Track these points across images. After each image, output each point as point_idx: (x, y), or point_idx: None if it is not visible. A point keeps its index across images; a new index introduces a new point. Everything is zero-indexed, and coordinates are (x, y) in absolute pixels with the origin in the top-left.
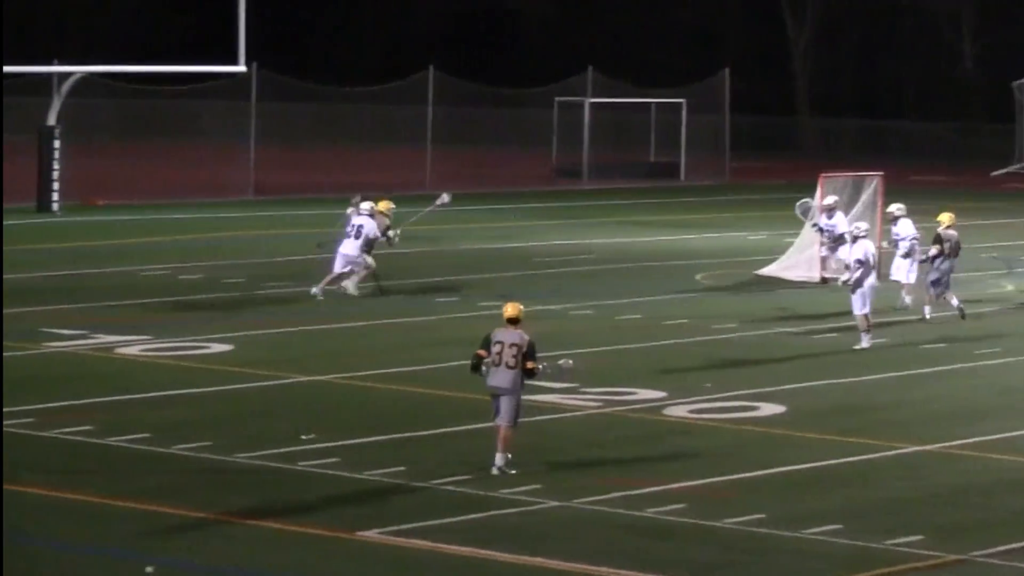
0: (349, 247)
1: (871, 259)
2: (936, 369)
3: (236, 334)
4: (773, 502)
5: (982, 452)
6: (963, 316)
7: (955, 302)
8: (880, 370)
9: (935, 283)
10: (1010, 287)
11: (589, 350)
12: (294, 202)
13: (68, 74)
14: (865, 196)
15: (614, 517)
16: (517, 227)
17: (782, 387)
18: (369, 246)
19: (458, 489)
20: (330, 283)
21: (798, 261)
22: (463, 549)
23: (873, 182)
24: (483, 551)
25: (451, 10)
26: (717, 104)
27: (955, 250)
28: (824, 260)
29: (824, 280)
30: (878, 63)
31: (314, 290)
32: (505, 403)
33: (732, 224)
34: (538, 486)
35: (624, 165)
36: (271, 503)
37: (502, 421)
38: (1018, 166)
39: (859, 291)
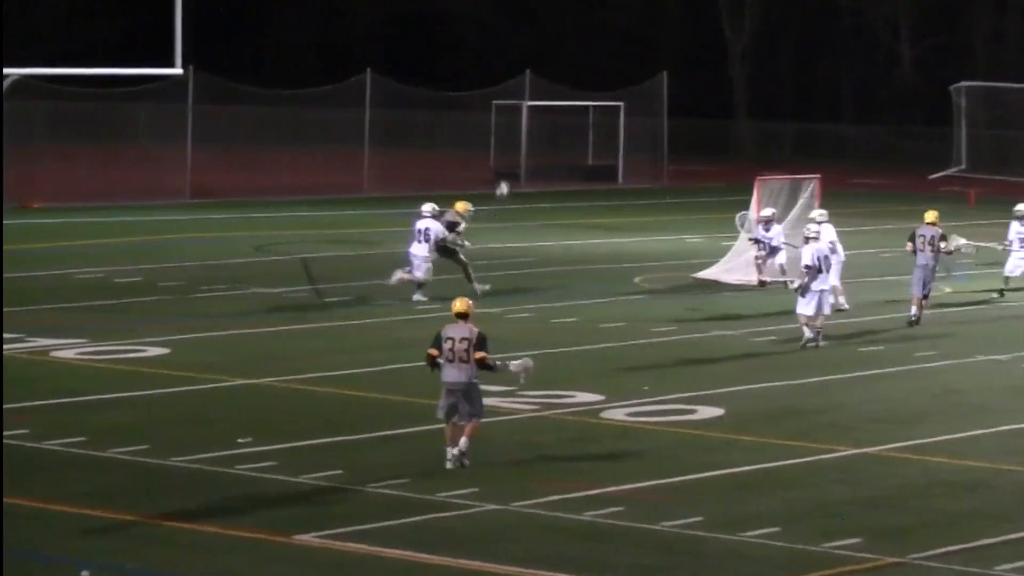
0: (419, 250)
1: (819, 262)
2: (874, 372)
3: (173, 337)
4: (711, 505)
5: (920, 455)
6: (910, 324)
7: (913, 310)
8: (818, 373)
9: (917, 282)
10: (948, 289)
11: (526, 353)
12: (231, 205)
13: (3, 76)
14: (802, 199)
15: (552, 520)
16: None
17: (720, 390)
18: (440, 248)
19: (396, 492)
20: (405, 280)
21: (736, 264)
22: (401, 552)
23: (810, 185)
24: (421, 555)
25: (389, 13)
26: (655, 107)
27: (931, 245)
28: (759, 266)
29: (762, 283)
30: (815, 66)
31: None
32: (464, 397)
33: (670, 227)
34: (476, 489)
35: (562, 168)
36: (208, 507)
37: (470, 417)
38: (955, 169)
39: (807, 295)
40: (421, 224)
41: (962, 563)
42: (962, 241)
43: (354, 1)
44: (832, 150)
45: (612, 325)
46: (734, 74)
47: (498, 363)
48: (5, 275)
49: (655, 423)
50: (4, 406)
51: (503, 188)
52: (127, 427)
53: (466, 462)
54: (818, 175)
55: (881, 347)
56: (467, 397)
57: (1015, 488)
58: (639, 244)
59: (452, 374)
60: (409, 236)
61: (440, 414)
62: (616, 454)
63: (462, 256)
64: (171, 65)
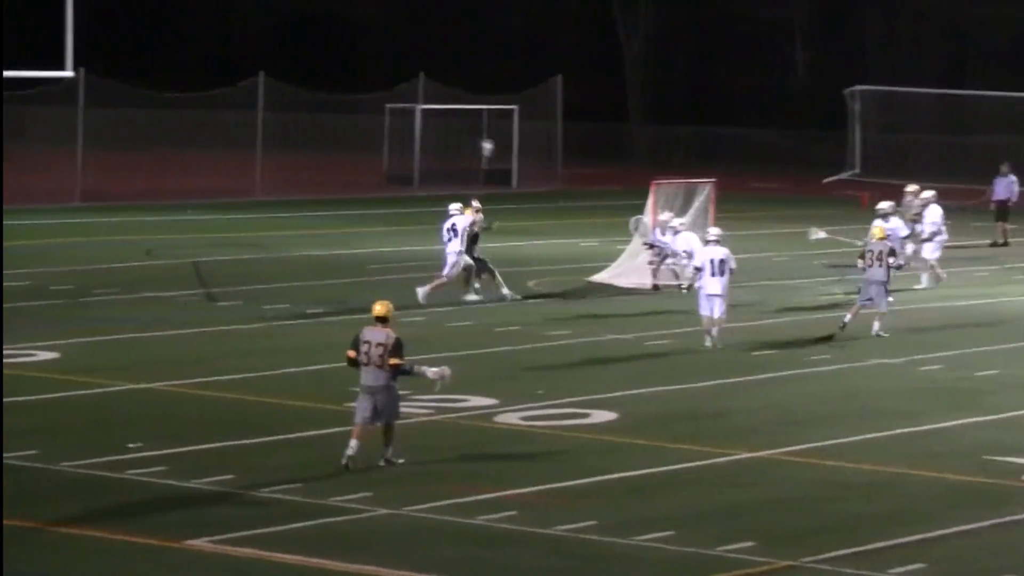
0: (452, 247)
1: (714, 266)
2: (768, 375)
3: (63, 342)
4: (605, 509)
5: (812, 459)
6: (842, 328)
7: (847, 316)
8: (711, 376)
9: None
10: (841, 294)
11: (420, 357)
12: (122, 208)
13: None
14: (698, 203)
15: (445, 525)
16: (348, 234)
17: (614, 394)
18: (470, 241)
19: (288, 497)
20: (437, 287)
21: (630, 268)
22: (294, 557)
23: (705, 189)
24: (314, 559)
25: (282, 16)
26: (549, 111)
27: (879, 260)
28: (654, 270)
29: (656, 287)
30: (711, 70)
31: (420, 292)
32: (381, 401)
33: (564, 231)
34: (369, 494)
35: (456, 172)
36: (98, 512)
37: (383, 420)
38: (849, 173)
39: (700, 294)
40: (448, 223)
41: (854, 567)
42: (821, 234)
43: (247, 4)
44: (727, 154)
45: (506, 329)
46: (629, 77)
47: (415, 368)
48: None
49: (549, 427)
50: None
51: (487, 148)
52: (16, 432)
53: (398, 460)
54: (714, 179)
55: (774, 351)
56: (384, 400)
57: (908, 491)
58: (533, 248)
59: (369, 377)
60: (438, 234)
61: (357, 417)
62: (509, 458)
63: (487, 261)
64: (62, 67)
